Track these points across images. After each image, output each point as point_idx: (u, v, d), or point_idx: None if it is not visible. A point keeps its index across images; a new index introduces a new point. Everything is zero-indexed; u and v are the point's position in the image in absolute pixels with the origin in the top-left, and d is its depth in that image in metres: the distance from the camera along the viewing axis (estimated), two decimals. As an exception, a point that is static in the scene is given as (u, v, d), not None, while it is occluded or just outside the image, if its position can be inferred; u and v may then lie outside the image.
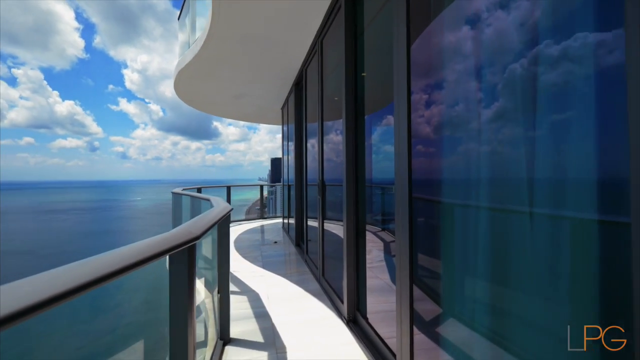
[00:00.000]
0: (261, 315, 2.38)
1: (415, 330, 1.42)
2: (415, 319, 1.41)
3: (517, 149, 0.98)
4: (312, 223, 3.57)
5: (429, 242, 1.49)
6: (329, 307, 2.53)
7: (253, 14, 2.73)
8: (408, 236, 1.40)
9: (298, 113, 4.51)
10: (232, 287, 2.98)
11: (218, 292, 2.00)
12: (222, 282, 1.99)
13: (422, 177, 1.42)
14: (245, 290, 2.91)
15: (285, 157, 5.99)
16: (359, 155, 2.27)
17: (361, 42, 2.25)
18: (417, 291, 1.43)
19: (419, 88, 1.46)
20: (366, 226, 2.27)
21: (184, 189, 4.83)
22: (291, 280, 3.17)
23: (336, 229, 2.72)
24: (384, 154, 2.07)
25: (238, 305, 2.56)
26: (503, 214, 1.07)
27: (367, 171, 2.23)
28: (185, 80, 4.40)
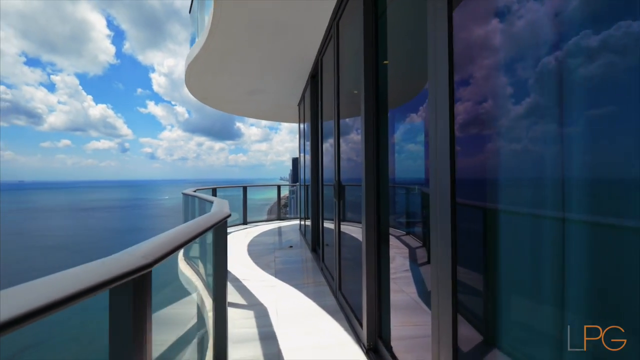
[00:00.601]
0: (267, 336, 2.07)
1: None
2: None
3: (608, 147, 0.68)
4: (328, 226, 3.23)
5: (470, 256, 1.13)
6: (345, 328, 2.17)
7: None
8: (450, 250, 1.06)
9: (314, 108, 4.18)
10: (239, 299, 2.70)
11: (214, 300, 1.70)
12: (218, 302, 1.69)
13: (464, 178, 1.06)
14: (253, 303, 2.62)
15: (302, 156, 5.69)
16: (381, 153, 1.91)
17: (383, 22, 1.89)
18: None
19: (464, 69, 1.08)
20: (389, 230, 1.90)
21: (196, 190, 4.67)
22: (304, 293, 2.84)
23: (356, 231, 2.35)
24: (407, 152, 1.75)
25: (242, 322, 2.27)
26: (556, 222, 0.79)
27: (389, 170, 1.87)
28: (195, 75, 4.20)
